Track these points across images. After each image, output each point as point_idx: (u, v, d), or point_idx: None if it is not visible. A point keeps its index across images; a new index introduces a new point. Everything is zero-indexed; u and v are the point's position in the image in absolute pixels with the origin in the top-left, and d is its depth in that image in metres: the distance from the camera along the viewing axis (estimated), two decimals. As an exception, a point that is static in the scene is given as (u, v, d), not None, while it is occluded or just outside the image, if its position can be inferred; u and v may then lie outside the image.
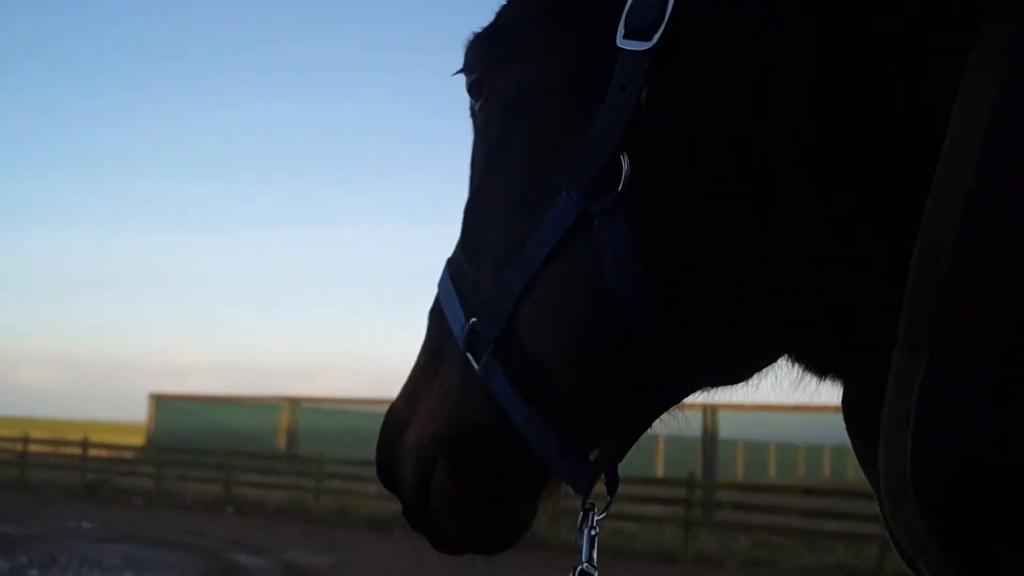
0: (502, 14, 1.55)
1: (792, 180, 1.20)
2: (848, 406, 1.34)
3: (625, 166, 1.26)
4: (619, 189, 1.26)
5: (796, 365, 1.38)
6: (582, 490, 1.42)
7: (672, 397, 1.42)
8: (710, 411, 19.78)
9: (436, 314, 1.60)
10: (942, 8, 1.13)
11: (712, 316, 1.30)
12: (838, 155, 1.18)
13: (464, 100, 1.59)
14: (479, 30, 1.56)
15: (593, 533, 1.46)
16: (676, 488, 18.41)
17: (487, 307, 1.43)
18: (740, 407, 20.86)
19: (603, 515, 1.48)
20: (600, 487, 1.46)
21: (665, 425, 1.48)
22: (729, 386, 1.43)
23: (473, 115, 1.60)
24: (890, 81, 1.15)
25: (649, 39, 1.26)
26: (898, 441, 1.04)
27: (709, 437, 20.18)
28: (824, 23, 1.18)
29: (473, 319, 1.45)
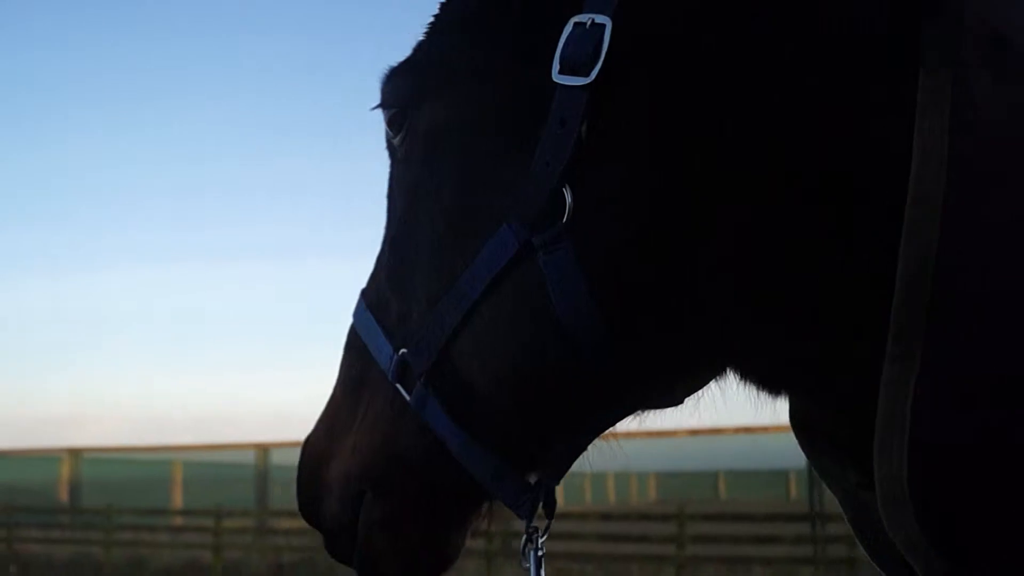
0: (421, 49, 1.53)
1: (736, 209, 1.22)
2: (803, 420, 1.41)
3: (568, 198, 1.27)
4: (563, 220, 1.27)
5: (746, 383, 1.39)
6: (525, 513, 1.43)
7: (610, 420, 1.45)
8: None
9: (354, 346, 1.58)
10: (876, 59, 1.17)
11: (660, 338, 1.32)
12: (784, 183, 1.19)
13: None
14: (395, 64, 1.54)
15: (540, 554, 1.48)
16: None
17: (418, 338, 1.43)
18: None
19: (544, 538, 1.49)
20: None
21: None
22: (664, 409, 1.47)
23: (391, 149, 1.56)
24: (824, 126, 1.18)
25: (587, 75, 1.25)
26: (893, 448, 1.07)
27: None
28: (760, 72, 1.20)
29: (403, 350, 1.45)
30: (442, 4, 1.52)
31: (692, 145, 1.23)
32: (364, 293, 1.60)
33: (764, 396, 1.39)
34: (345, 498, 1.54)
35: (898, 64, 1.15)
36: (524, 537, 1.48)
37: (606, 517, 19.27)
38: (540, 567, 1.48)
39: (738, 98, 1.21)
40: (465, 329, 1.37)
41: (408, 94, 1.49)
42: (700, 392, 1.46)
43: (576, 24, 1.28)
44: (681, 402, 1.46)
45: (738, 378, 1.39)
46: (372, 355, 1.51)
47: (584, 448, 1.48)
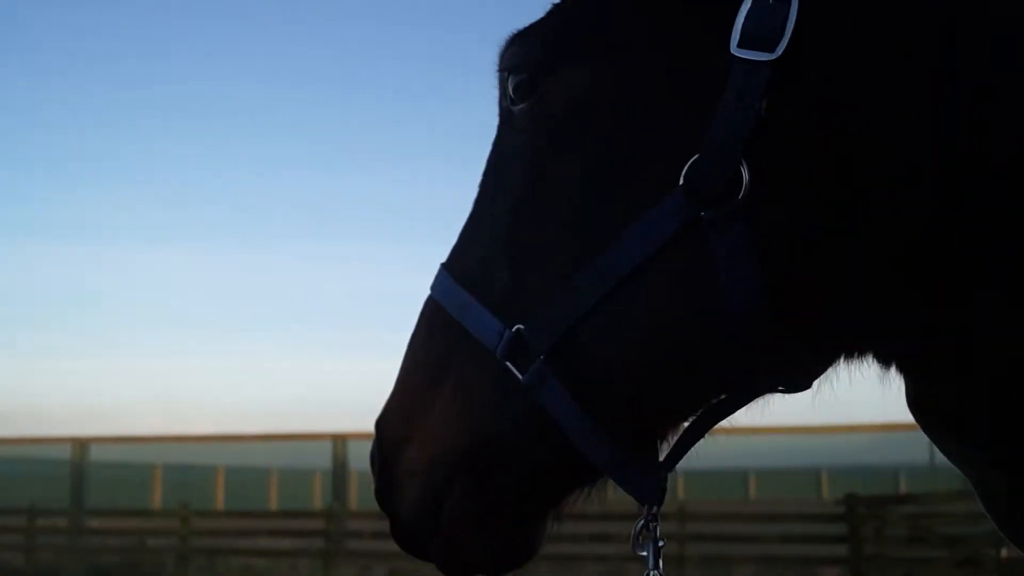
0: (559, 12, 1.49)
1: (907, 200, 1.25)
2: (924, 405, 1.40)
3: (746, 176, 1.25)
4: (739, 198, 1.25)
5: (877, 362, 1.40)
6: (650, 499, 1.41)
7: (737, 406, 1.45)
8: (340, 442, 19.76)
9: (436, 323, 1.51)
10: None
11: (816, 319, 1.33)
12: (948, 181, 1.23)
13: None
14: (523, 28, 1.51)
15: (661, 544, 1.45)
16: (312, 520, 18.22)
17: (541, 314, 1.38)
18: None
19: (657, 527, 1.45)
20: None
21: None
22: (791, 394, 1.45)
23: (507, 116, 1.52)
24: (977, 124, 1.23)
25: (772, 50, 1.25)
26: None
27: (341, 468, 20.16)
28: (941, 70, 1.24)
29: (518, 326, 1.39)
30: None
31: (866, 128, 1.25)
32: (449, 267, 1.53)
33: (894, 377, 1.40)
34: (430, 484, 1.47)
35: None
36: (640, 525, 1.43)
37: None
38: (659, 557, 1.44)
39: (906, 89, 1.24)
40: (606, 305, 1.33)
41: (542, 59, 1.45)
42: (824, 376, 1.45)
43: (756, 0, 1.28)
44: (809, 386, 1.45)
45: (871, 360, 1.40)
46: (469, 331, 1.43)
47: (703, 435, 1.46)
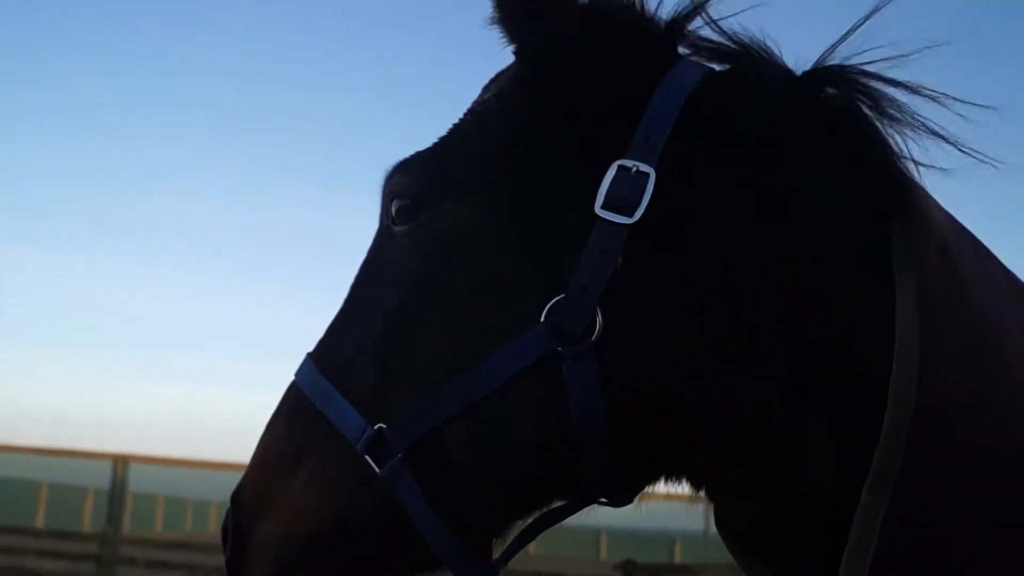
0: (446, 148, 1.65)
1: (749, 350, 1.46)
2: (729, 527, 1.60)
3: (599, 321, 1.43)
4: (592, 339, 1.43)
5: (697, 489, 1.61)
6: None
7: (569, 512, 1.63)
8: (121, 463, 18.89)
9: (300, 408, 1.62)
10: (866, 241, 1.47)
11: (650, 450, 1.52)
12: (792, 335, 1.46)
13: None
14: (411, 157, 1.66)
15: None
16: (87, 543, 17.32)
17: (404, 416, 1.51)
18: (157, 460, 20.25)
19: None
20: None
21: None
22: (616, 507, 1.60)
23: (390, 234, 1.65)
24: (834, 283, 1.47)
25: (631, 215, 1.45)
26: (861, 558, 1.32)
27: (119, 489, 19.26)
28: (780, 236, 1.48)
29: (380, 425, 1.51)
30: (478, 109, 1.67)
31: (711, 298, 1.46)
32: (316, 359, 1.65)
33: (706, 500, 1.62)
34: (282, 559, 1.56)
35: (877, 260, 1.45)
36: None
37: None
38: None
39: (757, 269, 1.47)
40: (468, 416, 1.47)
41: (427, 189, 1.60)
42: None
43: (620, 167, 1.48)
44: (631, 501, 1.61)
45: (688, 486, 1.61)
46: (332, 421, 1.55)
47: (535, 536, 1.63)
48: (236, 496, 1.67)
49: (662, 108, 1.51)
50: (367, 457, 1.51)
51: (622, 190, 1.46)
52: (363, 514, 1.53)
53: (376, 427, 1.51)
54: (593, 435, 1.45)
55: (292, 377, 1.68)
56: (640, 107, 1.52)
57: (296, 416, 1.63)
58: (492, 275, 1.52)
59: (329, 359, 1.63)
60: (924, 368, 1.35)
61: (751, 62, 1.60)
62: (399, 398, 1.53)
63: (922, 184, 1.54)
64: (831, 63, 1.58)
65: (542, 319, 1.46)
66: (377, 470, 1.50)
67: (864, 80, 1.55)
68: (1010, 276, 1.59)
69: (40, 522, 26.67)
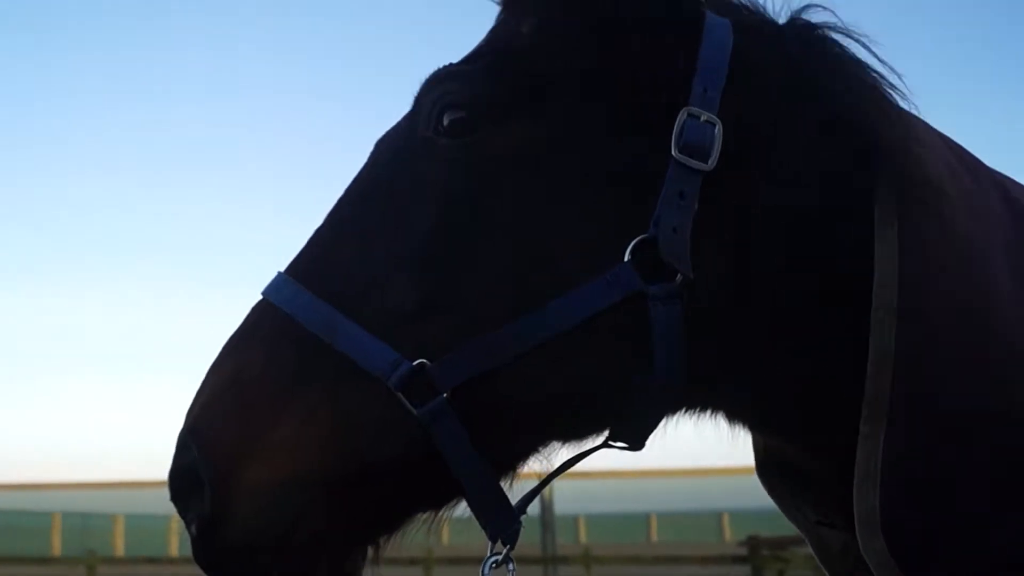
0: (514, 61, 1.56)
1: (799, 289, 1.52)
2: (766, 467, 1.74)
3: (687, 260, 1.45)
4: (678, 279, 1.44)
5: (736, 424, 1.67)
6: (510, 540, 1.46)
7: (585, 455, 1.60)
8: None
9: (285, 335, 1.44)
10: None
11: (711, 383, 1.56)
12: (826, 284, 1.52)
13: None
14: (456, 65, 1.57)
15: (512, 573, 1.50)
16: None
17: (457, 354, 1.39)
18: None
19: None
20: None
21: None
22: (632, 451, 1.56)
23: (429, 145, 1.53)
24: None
25: (705, 161, 1.47)
26: (868, 488, 1.38)
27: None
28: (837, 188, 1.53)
29: (421, 360, 1.39)
30: (535, 33, 1.57)
31: (779, 235, 1.51)
32: (303, 279, 1.47)
33: (746, 432, 1.70)
34: (286, 504, 1.38)
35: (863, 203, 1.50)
36: (492, 561, 1.46)
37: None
38: None
39: (790, 203, 1.53)
40: (534, 356, 1.40)
41: (490, 105, 1.52)
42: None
43: (690, 114, 1.48)
44: (643, 447, 1.57)
45: (730, 420, 1.66)
46: (345, 352, 1.39)
47: (551, 482, 1.59)
48: (197, 431, 1.43)
49: (712, 63, 1.53)
50: (400, 395, 1.38)
51: (696, 137, 1.47)
52: (388, 456, 1.40)
53: (417, 362, 1.39)
54: (672, 373, 1.45)
55: (259, 296, 1.50)
56: (691, 59, 1.53)
57: (282, 342, 1.44)
58: (563, 208, 1.47)
59: (329, 281, 1.47)
60: (903, 294, 1.40)
61: (754, 15, 1.67)
62: (441, 332, 1.41)
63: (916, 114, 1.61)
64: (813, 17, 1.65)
65: (625, 258, 1.44)
66: (413, 410, 1.38)
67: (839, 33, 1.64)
68: (1007, 196, 1.61)
69: (174, 552, 27.44)
